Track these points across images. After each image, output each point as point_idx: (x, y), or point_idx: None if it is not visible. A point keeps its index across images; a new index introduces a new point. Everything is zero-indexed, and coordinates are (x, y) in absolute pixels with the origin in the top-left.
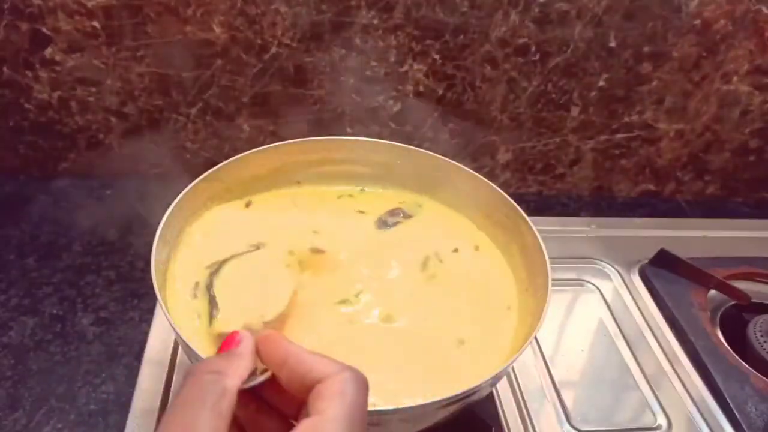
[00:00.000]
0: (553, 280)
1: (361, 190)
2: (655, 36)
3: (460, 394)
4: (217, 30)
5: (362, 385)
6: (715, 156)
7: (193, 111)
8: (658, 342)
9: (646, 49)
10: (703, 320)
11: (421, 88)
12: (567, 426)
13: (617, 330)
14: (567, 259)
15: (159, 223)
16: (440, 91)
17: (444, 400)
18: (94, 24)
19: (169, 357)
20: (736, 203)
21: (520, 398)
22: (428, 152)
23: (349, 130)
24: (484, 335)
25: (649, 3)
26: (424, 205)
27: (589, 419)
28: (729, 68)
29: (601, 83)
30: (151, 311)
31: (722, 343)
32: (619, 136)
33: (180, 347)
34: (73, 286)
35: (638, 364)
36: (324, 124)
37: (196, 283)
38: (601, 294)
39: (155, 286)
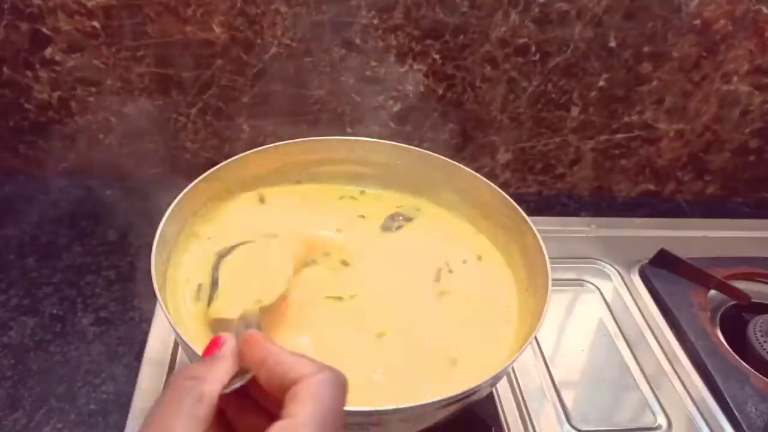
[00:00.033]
0: (553, 280)
1: (362, 192)
2: (655, 36)
3: (460, 394)
4: (217, 30)
5: (339, 387)
6: (715, 156)
7: (193, 111)
8: (658, 342)
9: (646, 49)
10: (703, 320)
11: (421, 88)
12: (567, 426)
13: (617, 330)
14: (567, 259)
15: (159, 223)
16: (440, 91)
17: (444, 400)
18: (94, 24)
19: (169, 357)
20: (736, 203)
21: (520, 398)
22: (428, 152)
23: (349, 130)
24: (480, 353)
25: (649, 3)
26: (422, 209)
27: (589, 419)
28: (729, 68)
29: (601, 83)
30: (151, 311)
31: (722, 343)
32: (619, 136)
33: (180, 347)
34: (73, 286)
35: (638, 364)
36: (324, 124)
37: (199, 285)
38: (601, 294)
39: (155, 286)
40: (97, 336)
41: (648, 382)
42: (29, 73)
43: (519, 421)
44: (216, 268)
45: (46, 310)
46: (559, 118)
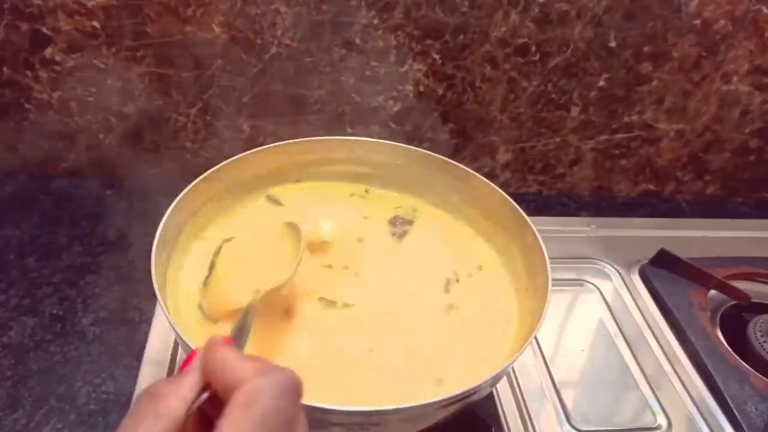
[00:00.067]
0: (553, 280)
1: (366, 190)
2: (655, 36)
3: (460, 394)
4: (217, 30)
5: (283, 389)
6: (715, 156)
7: (193, 111)
8: (658, 342)
9: (646, 49)
10: (703, 320)
11: (421, 88)
12: (567, 426)
13: (617, 330)
14: (567, 259)
15: (159, 223)
16: (440, 91)
17: (444, 400)
18: (94, 24)
19: (169, 357)
20: (736, 203)
21: (520, 398)
22: (428, 152)
23: (349, 130)
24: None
25: (649, 3)
26: (420, 209)
27: (589, 419)
28: (729, 68)
29: (601, 83)
30: (151, 311)
31: (722, 343)
32: (619, 136)
33: (180, 347)
34: (73, 286)
35: (638, 364)
36: (324, 124)
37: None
38: (601, 294)
39: (155, 286)
40: (97, 336)
41: (648, 382)
42: (29, 73)
43: (519, 421)
44: (217, 253)
45: (46, 310)
46: (559, 118)
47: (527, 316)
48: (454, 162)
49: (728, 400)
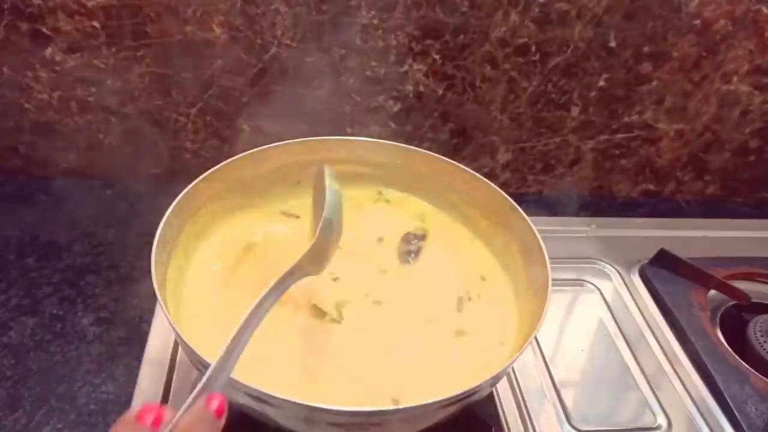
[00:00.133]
0: (553, 280)
1: (379, 193)
2: (655, 36)
3: (460, 394)
4: (217, 30)
5: None
6: (715, 156)
7: (193, 111)
8: (658, 342)
9: (646, 49)
10: (703, 320)
11: (421, 88)
12: (567, 426)
13: (617, 330)
14: (567, 259)
15: (159, 223)
16: (440, 91)
17: (444, 400)
18: (94, 24)
19: (169, 357)
20: (736, 203)
21: (520, 398)
22: (428, 152)
23: (349, 130)
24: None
25: (649, 3)
26: (426, 219)
27: (589, 419)
28: (729, 68)
29: (601, 83)
30: (151, 311)
31: (722, 343)
32: (619, 136)
33: (180, 347)
34: (73, 286)
35: (638, 364)
36: (324, 124)
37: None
38: (601, 294)
39: (155, 286)
40: (97, 336)
41: (648, 382)
42: (29, 73)
43: (519, 421)
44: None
45: (46, 310)
46: (559, 118)
47: (527, 315)
48: (455, 162)
49: (728, 400)
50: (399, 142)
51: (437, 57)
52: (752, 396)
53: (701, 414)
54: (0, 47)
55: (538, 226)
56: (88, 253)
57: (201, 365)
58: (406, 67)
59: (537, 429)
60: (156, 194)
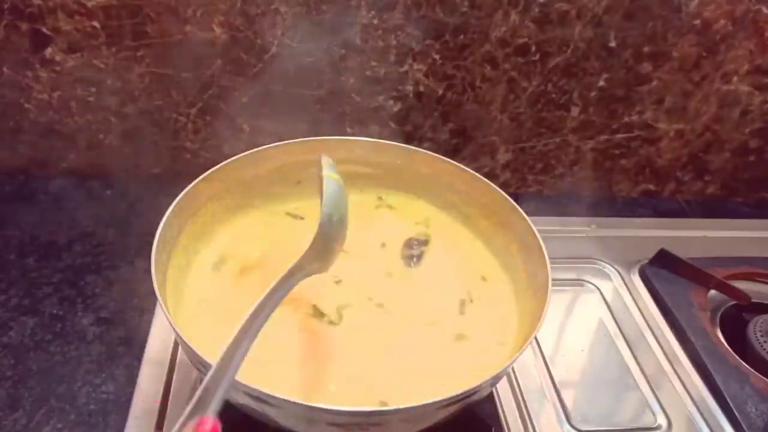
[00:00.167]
0: (553, 280)
1: (380, 198)
2: (655, 36)
3: (460, 394)
4: (217, 30)
5: None
6: (715, 156)
7: (193, 111)
8: (658, 342)
9: (646, 49)
10: (703, 320)
11: (421, 88)
12: (567, 426)
13: (617, 330)
14: (567, 259)
15: (159, 223)
16: (440, 91)
17: (444, 400)
18: (94, 24)
19: (169, 357)
20: (736, 203)
21: (520, 398)
22: (428, 152)
23: (349, 130)
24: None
25: (649, 3)
26: (431, 223)
27: (589, 419)
28: (729, 68)
29: (601, 83)
30: (151, 311)
31: (722, 343)
32: (619, 136)
33: (180, 347)
34: (73, 286)
35: (638, 364)
36: (324, 124)
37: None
38: (601, 294)
39: (155, 286)
40: (97, 336)
41: (648, 382)
42: (29, 73)
43: (519, 421)
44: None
45: (46, 310)
46: (559, 118)
47: (527, 316)
48: (454, 162)
49: (728, 400)
50: (399, 142)
51: (437, 57)
52: (752, 396)
53: (701, 414)
54: (0, 47)
55: (538, 226)
56: (88, 253)
57: (201, 365)
58: (406, 67)
59: (537, 429)
60: (156, 194)
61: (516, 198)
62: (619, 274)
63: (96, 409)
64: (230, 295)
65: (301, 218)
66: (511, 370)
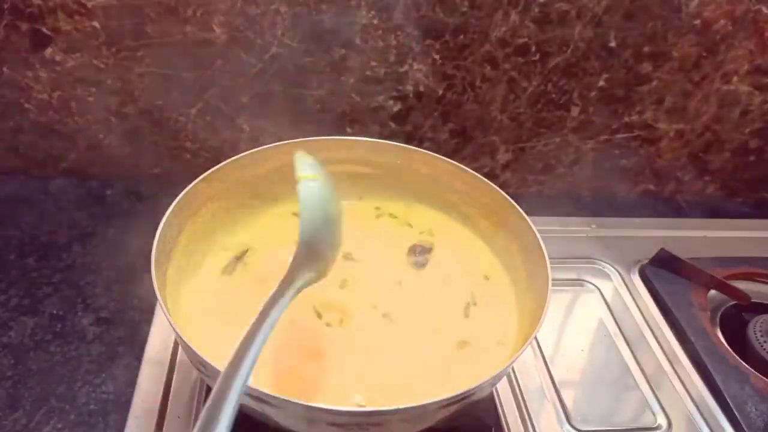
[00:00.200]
0: (553, 280)
1: (377, 208)
2: (655, 36)
3: (460, 394)
4: (217, 30)
5: None
6: (715, 156)
7: (193, 111)
8: (658, 342)
9: (646, 49)
10: (703, 320)
11: (421, 88)
12: (567, 426)
13: (617, 330)
14: (567, 259)
15: (159, 223)
16: (440, 91)
17: (444, 400)
18: (94, 24)
19: (169, 357)
20: (736, 203)
21: (520, 398)
22: (428, 152)
23: (349, 130)
24: None
25: (649, 3)
26: (434, 232)
27: (589, 419)
28: (729, 68)
29: (601, 83)
30: (151, 311)
31: (722, 343)
32: (619, 136)
33: (180, 347)
34: (73, 286)
35: (638, 364)
36: (324, 124)
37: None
38: (601, 294)
39: (155, 286)
40: (97, 336)
41: (648, 382)
42: (29, 73)
43: (519, 421)
44: None
45: (46, 310)
46: (559, 118)
47: (527, 316)
48: (454, 162)
49: (728, 400)
50: (399, 142)
51: (437, 57)
52: (752, 396)
53: (701, 414)
54: (0, 47)
55: (538, 226)
56: (88, 253)
57: (201, 365)
58: (406, 67)
59: (537, 429)
60: (156, 194)
61: (516, 198)
62: (619, 274)
63: (96, 409)
64: (231, 294)
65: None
66: (511, 370)
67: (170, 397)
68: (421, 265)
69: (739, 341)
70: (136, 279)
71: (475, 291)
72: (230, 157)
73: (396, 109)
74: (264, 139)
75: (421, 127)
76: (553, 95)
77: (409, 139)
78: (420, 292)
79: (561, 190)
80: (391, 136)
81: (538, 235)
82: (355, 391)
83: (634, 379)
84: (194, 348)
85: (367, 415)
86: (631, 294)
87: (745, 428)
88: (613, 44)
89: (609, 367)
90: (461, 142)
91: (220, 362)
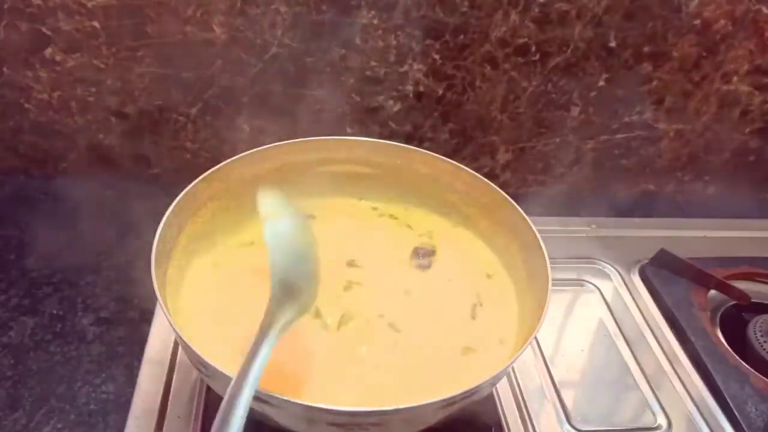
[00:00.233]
0: (553, 280)
1: (374, 208)
2: (655, 36)
3: (460, 394)
4: (217, 30)
5: None
6: (715, 156)
7: (193, 111)
8: (658, 342)
9: (646, 49)
10: (703, 320)
11: (421, 88)
12: (567, 426)
13: (617, 330)
14: (567, 259)
15: (159, 223)
16: (440, 91)
17: (444, 400)
18: (94, 24)
19: (169, 357)
20: (736, 203)
21: (520, 398)
22: (428, 152)
23: (349, 130)
24: None
25: (649, 3)
26: (434, 235)
27: (589, 419)
28: (729, 68)
29: (601, 83)
30: (151, 311)
31: (722, 343)
32: (619, 136)
33: (180, 347)
34: (73, 286)
35: (638, 364)
36: (324, 124)
37: None
38: (601, 294)
39: (155, 286)
40: (97, 336)
41: (648, 382)
42: (29, 73)
43: (519, 421)
44: None
45: (46, 310)
46: (559, 118)
47: (527, 316)
48: (454, 162)
49: (728, 400)
50: (399, 142)
51: (437, 57)
52: (752, 396)
53: (701, 414)
54: (0, 47)
55: (538, 226)
56: (88, 253)
57: (201, 365)
58: (406, 67)
59: (537, 429)
60: (156, 194)
61: (516, 198)
62: (619, 274)
63: (96, 409)
64: (231, 295)
65: (312, 217)
66: (511, 370)
67: (170, 397)
68: (426, 269)
69: (739, 341)
70: (136, 279)
71: (480, 291)
72: (230, 157)
73: (396, 109)
74: (264, 139)
75: (421, 127)
76: (553, 95)
77: (409, 139)
78: (427, 299)
79: (561, 190)
80: (391, 136)
81: (538, 235)
82: (355, 394)
83: (634, 379)
84: (194, 348)
85: (367, 415)
86: (631, 294)
87: (745, 428)
88: (613, 44)
89: (609, 367)
90: (461, 142)
91: (219, 362)
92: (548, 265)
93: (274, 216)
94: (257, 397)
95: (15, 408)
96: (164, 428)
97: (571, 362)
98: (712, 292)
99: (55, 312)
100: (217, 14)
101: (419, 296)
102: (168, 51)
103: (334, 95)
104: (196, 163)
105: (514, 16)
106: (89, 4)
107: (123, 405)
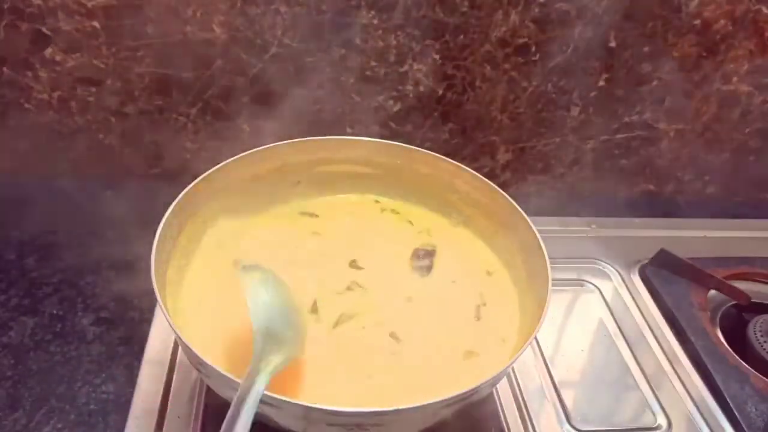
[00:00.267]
0: (553, 280)
1: (376, 201)
2: (655, 36)
3: (460, 394)
4: (217, 30)
5: None
6: (715, 156)
7: (193, 111)
8: (658, 342)
9: (646, 49)
10: (703, 320)
11: (421, 88)
12: (567, 426)
13: (617, 330)
14: (567, 259)
15: (159, 223)
16: (440, 91)
17: (444, 400)
18: (94, 24)
19: (169, 357)
20: (736, 203)
21: (520, 398)
22: (428, 152)
23: (349, 130)
24: None
25: (649, 3)
26: (433, 233)
27: (589, 419)
28: (729, 68)
29: (601, 83)
30: (151, 311)
31: (722, 343)
32: (619, 136)
33: (180, 347)
34: (73, 286)
35: (638, 364)
36: (324, 124)
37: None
38: (601, 294)
39: (155, 286)
40: (97, 336)
41: (648, 382)
42: (29, 73)
43: (519, 421)
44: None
45: (46, 310)
46: (559, 118)
47: (527, 316)
48: (455, 162)
49: (728, 400)
50: (399, 142)
51: (437, 57)
52: (752, 396)
53: (701, 414)
54: (0, 47)
55: (538, 226)
56: (88, 253)
57: (200, 366)
58: (406, 67)
59: (537, 429)
60: (156, 194)
61: (516, 198)
62: (619, 274)
63: (96, 409)
64: (231, 295)
65: (316, 216)
66: (511, 370)
67: (170, 397)
68: (427, 270)
69: (739, 341)
70: (136, 279)
71: (483, 291)
72: (230, 157)
73: (396, 109)
74: (264, 139)
75: (421, 127)
76: (553, 95)
77: (409, 139)
78: (430, 305)
79: (561, 190)
80: (391, 136)
81: (538, 235)
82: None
83: (634, 379)
84: (194, 348)
85: (367, 415)
86: (631, 294)
87: (745, 428)
88: (613, 44)
89: (609, 367)
90: (461, 142)
91: (219, 363)
92: (548, 265)
93: (259, 293)
94: None
95: (15, 408)
96: (164, 428)
97: (571, 362)
98: (712, 292)
99: (55, 312)
100: (217, 14)
101: (422, 302)
102: (168, 51)
103: (334, 95)
104: (196, 163)
105: (514, 16)
106: (89, 4)
107: (123, 405)
